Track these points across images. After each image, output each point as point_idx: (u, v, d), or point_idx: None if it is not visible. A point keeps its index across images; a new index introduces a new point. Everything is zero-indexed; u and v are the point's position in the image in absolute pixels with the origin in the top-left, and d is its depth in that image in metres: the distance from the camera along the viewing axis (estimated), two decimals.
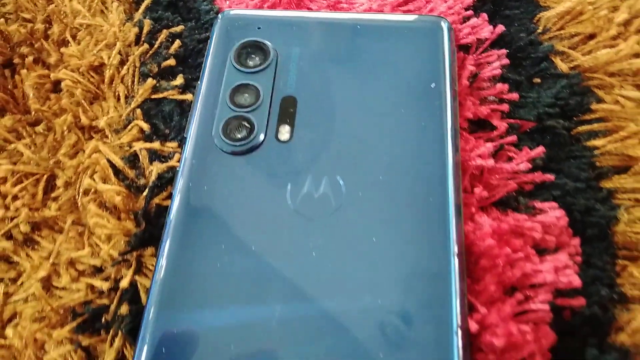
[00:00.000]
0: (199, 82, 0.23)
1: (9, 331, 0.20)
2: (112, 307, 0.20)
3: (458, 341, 0.17)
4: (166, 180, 0.23)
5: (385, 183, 0.20)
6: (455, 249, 0.19)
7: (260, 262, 0.19)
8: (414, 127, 0.21)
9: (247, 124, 0.22)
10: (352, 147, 0.21)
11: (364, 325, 0.18)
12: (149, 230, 0.21)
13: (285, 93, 0.22)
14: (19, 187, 0.22)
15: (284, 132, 0.22)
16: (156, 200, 0.22)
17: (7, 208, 0.22)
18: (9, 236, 0.22)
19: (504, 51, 0.25)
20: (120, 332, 0.20)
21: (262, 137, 0.21)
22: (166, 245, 0.19)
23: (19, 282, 0.21)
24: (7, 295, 0.21)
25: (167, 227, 0.20)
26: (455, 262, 0.19)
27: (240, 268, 0.19)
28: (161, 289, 0.19)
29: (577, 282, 0.19)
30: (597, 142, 0.23)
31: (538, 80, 0.25)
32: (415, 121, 0.22)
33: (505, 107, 0.23)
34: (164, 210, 0.22)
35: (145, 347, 0.18)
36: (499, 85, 0.24)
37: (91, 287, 0.21)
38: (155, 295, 0.19)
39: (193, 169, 0.21)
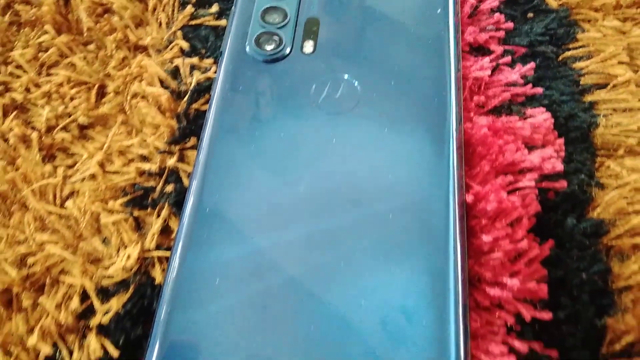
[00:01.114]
0: (233, 6, 0.26)
1: (69, 203, 0.23)
2: (159, 186, 0.23)
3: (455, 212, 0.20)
4: (204, 88, 0.26)
5: (395, 88, 0.24)
6: (454, 142, 0.22)
7: (286, 156, 0.22)
8: (422, 45, 0.25)
9: (276, 38, 0.25)
10: (367, 58, 0.24)
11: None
12: (189, 127, 0.25)
13: (309, 15, 0.26)
14: (75, 90, 0.26)
15: (308, 46, 0.25)
16: (195, 105, 0.26)
17: (65, 106, 0.25)
18: (67, 131, 0.25)
19: None
20: (166, 204, 0.23)
21: (288, 49, 0.25)
22: (206, 136, 0.22)
23: (75, 167, 0.24)
24: (66, 176, 0.24)
25: (206, 122, 0.23)
26: (454, 154, 0.22)
27: (270, 162, 0.22)
28: (203, 174, 0.22)
29: (560, 167, 0.22)
30: (581, 64, 0.26)
31: (531, 15, 0.28)
32: (423, 40, 0.25)
33: (501, 33, 0.27)
34: (202, 114, 0.25)
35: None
36: (497, 15, 0.27)
37: (139, 173, 0.24)
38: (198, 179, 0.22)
39: (228, 75, 0.24)
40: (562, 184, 0.22)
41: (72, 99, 0.25)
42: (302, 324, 0.19)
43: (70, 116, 0.25)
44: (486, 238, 0.20)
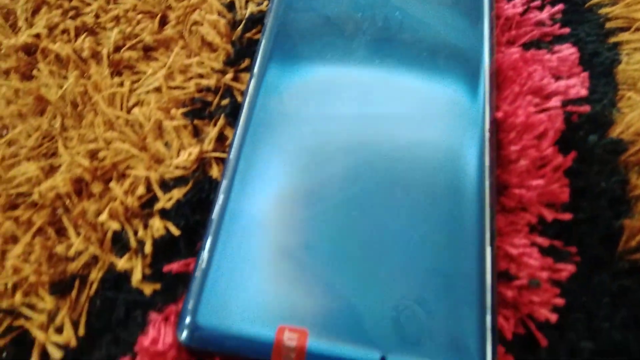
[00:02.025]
0: None
1: (135, 110, 0.25)
2: (215, 101, 0.26)
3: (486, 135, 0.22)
4: (257, 19, 0.28)
5: (437, 21, 0.25)
6: (487, 70, 0.23)
7: (330, 80, 0.24)
8: None
9: None
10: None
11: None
12: (243, 51, 0.27)
13: None
14: (140, 16, 0.28)
15: None
16: (248, 34, 0.28)
17: (132, 28, 0.27)
18: (133, 49, 0.27)
19: None
20: (222, 115, 0.25)
21: None
22: (258, 59, 0.25)
23: (140, 82, 0.26)
24: (132, 90, 0.26)
25: (259, 47, 0.25)
26: (487, 80, 0.24)
27: (313, 86, 0.24)
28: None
29: (584, 92, 0.24)
30: (606, 10, 0.27)
31: None
32: None
33: None
34: (255, 42, 0.27)
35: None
36: None
37: (198, 89, 0.26)
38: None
39: (281, 4, 0.27)
40: (586, 107, 0.24)
41: (138, 22, 0.28)
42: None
43: (136, 37, 0.27)
44: (514, 147, 0.22)
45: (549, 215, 0.21)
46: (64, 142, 0.25)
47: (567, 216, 0.21)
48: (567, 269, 0.20)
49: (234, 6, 0.29)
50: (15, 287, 0.21)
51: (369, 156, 0.22)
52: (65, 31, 0.28)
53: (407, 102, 0.23)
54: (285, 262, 0.20)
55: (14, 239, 0.22)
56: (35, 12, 0.29)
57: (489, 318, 0.18)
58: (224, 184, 0.21)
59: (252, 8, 0.28)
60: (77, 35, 0.28)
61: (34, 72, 0.27)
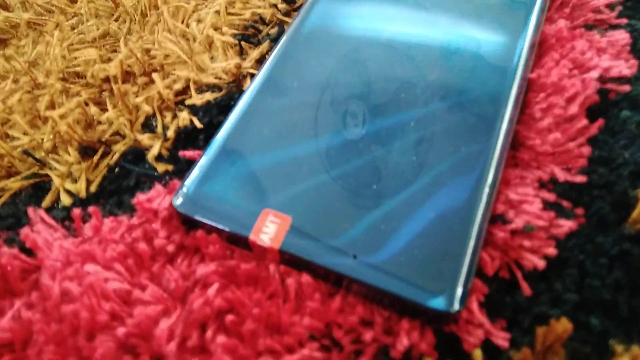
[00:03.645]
0: None
1: (192, 24, 0.27)
2: (265, 30, 0.27)
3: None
4: None
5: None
6: (528, 40, 0.23)
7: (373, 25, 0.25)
8: None
9: None
10: None
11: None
12: None
13: None
14: None
15: None
16: None
17: None
18: None
19: None
20: (267, 41, 0.26)
21: None
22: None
23: (204, 5, 0.28)
24: (196, 10, 0.28)
25: None
26: (527, 46, 0.23)
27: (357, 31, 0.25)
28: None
29: (627, 72, 0.23)
30: None
31: None
32: None
33: None
34: None
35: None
36: None
37: (254, 19, 0.27)
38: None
39: None
40: (626, 87, 0.23)
41: None
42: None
43: None
44: (539, 106, 0.21)
45: (562, 176, 0.20)
46: (125, 42, 0.26)
47: (581, 178, 0.20)
48: (567, 225, 0.19)
49: None
50: (48, 142, 0.23)
51: (387, 83, 0.22)
52: None
53: (446, 45, 0.23)
54: (285, 158, 0.20)
55: (60, 105, 0.24)
56: None
57: (470, 245, 0.18)
58: (246, 92, 0.22)
59: None
60: None
61: None
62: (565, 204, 0.20)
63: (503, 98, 0.21)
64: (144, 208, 0.19)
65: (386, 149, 0.20)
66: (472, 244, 0.18)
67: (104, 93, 0.25)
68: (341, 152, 0.20)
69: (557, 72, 0.22)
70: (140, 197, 0.19)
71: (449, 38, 0.23)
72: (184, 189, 0.19)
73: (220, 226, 0.19)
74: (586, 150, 0.21)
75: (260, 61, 0.26)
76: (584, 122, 0.21)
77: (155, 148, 0.22)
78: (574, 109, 0.21)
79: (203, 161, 0.20)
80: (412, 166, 0.19)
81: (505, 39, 0.23)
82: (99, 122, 0.23)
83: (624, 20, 0.25)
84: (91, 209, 0.19)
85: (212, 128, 0.23)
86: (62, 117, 0.23)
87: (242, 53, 0.26)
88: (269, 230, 0.18)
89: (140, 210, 0.19)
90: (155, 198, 0.20)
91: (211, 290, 0.17)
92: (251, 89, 0.22)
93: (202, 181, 0.19)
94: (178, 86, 0.24)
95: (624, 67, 0.23)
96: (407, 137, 0.20)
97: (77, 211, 0.19)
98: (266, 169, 0.20)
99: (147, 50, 0.26)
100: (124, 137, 0.23)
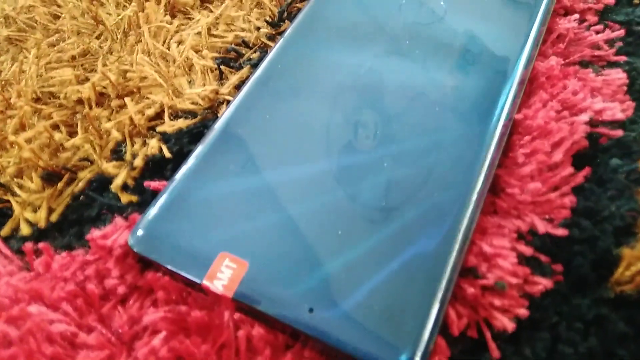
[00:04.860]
0: None
1: (173, 46, 0.26)
2: (247, 54, 0.26)
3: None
4: None
5: (478, 21, 0.24)
6: (517, 77, 0.22)
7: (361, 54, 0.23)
8: None
9: None
10: None
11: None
12: (287, 17, 0.27)
13: None
14: None
15: None
16: (298, 5, 0.28)
17: None
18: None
19: None
20: (247, 66, 0.25)
21: None
22: (294, 24, 0.24)
23: (188, 25, 0.27)
24: (178, 30, 0.27)
25: (299, 13, 0.25)
26: (514, 85, 0.22)
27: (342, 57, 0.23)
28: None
29: (620, 116, 0.21)
30: None
31: (637, 1, 0.27)
32: None
33: (600, 6, 0.26)
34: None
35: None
36: None
37: (236, 42, 0.26)
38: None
39: None
40: (618, 132, 0.21)
41: None
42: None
43: None
44: (523, 150, 0.20)
45: (542, 227, 0.19)
46: (103, 61, 0.26)
47: (562, 232, 0.18)
48: (542, 284, 0.17)
49: None
50: (13, 166, 0.22)
51: (363, 117, 0.21)
52: None
53: (426, 79, 0.22)
54: (247, 198, 0.19)
55: (31, 126, 0.23)
56: None
57: (436, 300, 0.16)
58: (218, 121, 0.21)
59: None
60: None
61: None
62: (543, 258, 0.18)
63: (484, 139, 0.20)
64: (98, 245, 0.18)
65: (353, 192, 0.19)
66: (438, 299, 0.17)
67: (77, 115, 0.24)
68: (305, 195, 0.19)
69: (544, 114, 0.20)
70: (94, 234, 0.18)
71: (430, 72, 0.22)
72: (140, 227, 0.18)
73: (174, 269, 0.17)
74: (570, 200, 0.19)
75: (239, 87, 0.25)
76: (569, 170, 0.19)
77: (120, 178, 0.21)
78: (559, 155, 0.19)
79: (162, 198, 0.19)
80: (381, 211, 0.18)
81: (493, 75, 0.22)
82: (65, 149, 0.22)
83: (623, 58, 0.24)
84: (42, 245, 0.18)
85: (181, 157, 0.22)
86: (28, 141, 0.22)
87: (221, 77, 0.25)
88: (223, 276, 0.17)
89: (94, 248, 0.18)
90: (111, 234, 0.18)
91: (157, 340, 0.16)
92: (219, 123, 0.21)
93: (160, 219, 0.18)
94: (151, 112, 0.23)
95: (617, 110, 0.21)
96: (376, 180, 0.19)
97: (28, 245, 0.18)
98: (227, 208, 0.19)
99: (124, 72, 0.25)
100: (92, 162, 0.22)
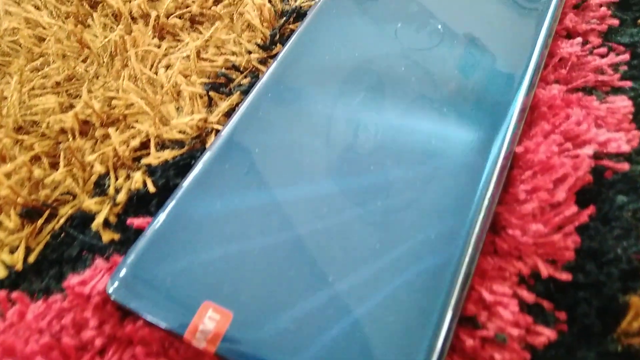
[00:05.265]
0: None
1: (161, 71, 0.25)
2: (238, 79, 0.24)
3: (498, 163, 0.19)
4: (304, 13, 0.27)
5: (478, 45, 0.23)
6: (518, 106, 0.20)
7: (353, 79, 0.22)
8: (515, 16, 0.24)
9: None
10: (459, 12, 0.24)
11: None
12: (280, 39, 0.25)
13: None
14: None
15: None
16: (291, 26, 0.26)
17: None
18: (180, 18, 0.27)
19: None
20: (238, 93, 0.24)
21: None
22: (287, 47, 0.23)
23: (177, 48, 0.26)
24: (166, 54, 0.26)
25: (292, 36, 0.24)
26: (514, 116, 0.20)
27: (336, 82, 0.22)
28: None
29: (626, 148, 0.20)
30: None
31: None
32: (518, 12, 0.24)
33: (603, 27, 0.25)
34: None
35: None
36: (603, 10, 0.25)
37: (226, 66, 0.25)
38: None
39: (328, 2, 0.25)
40: (624, 166, 0.20)
41: None
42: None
43: (187, 7, 0.27)
44: (524, 187, 0.19)
45: (545, 271, 0.17)
46: (89, 87, 0.24)
47: (566, 276, 0.17)
48: (545, 335, 0.16)
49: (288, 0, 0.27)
50: None
51: (354, 168, 0.19)
52: None
53: (423, 107, 0.20)
54: (233, 246, 0.17)
55: (11, 158, 0.22)
56: None
57: (434, 354, 0.15)
58: (205, 155, 0.20)
59: (301, 1, 0.27)
60: None
61: (89, 21, 0.27)
62: (547, 305, 0.17)
63: (484, 174, 0.19)
64: (75, 293, 0.17)
65: (345, 235, 0.17)
66: (437, 351, 0.15)
67: (60, 145, 0.22)
68: (295, 240, 0.17)
69: (546, 148, 0.19)
70: (71, 280, 0.17)
71: (427, 102, 0.21)
72: (119, 273, 0.17)
73: (154, 320, 0.16)
74: (573, 241, 0.18)
75: (229, 114, 0.23)
76: (573, 209, 0.18)
77: (102, 215, 0.20)
78: (562, 194, 0.18)
79: (142, 241, 0.18)
80: (372, 255, 0.17)
81: (492, 103, 0.20)
82: (45, 186, 0.21)
83: (628, 83, 0.22)
84: (16, 294, 0.17)
85: (167, 191, 0.21)
86: (7, 175, 0.21)
87: (210, 104, 0.24)
88: (206, 328, 0.16)
89: (71, 295, 0.17)
90: (90, 280, 0.17)
91: None
92: (205, 157, 0.20)
93: (140, 264, 0.17)
94: (136, 142, 0.22)
95: (623, 142, 0.20)
96: (369, 220, 0.18)
97: (2, 294, 0.17)
98: (213, 252, 0.17)
99: (110, 99, 0.24)
100: (74, 196, 0.21)
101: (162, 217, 0.18)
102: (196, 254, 0.17)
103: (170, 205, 0.19)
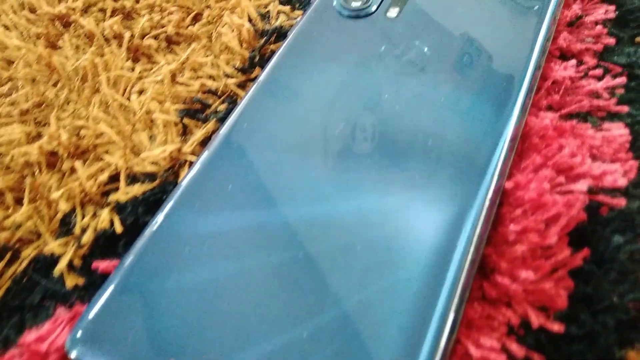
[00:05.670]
0: None
1: (133, 97, 0.23)
2: (214, 104, 0.23)
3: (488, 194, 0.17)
4: (285, 33, 0.25)
5: (465, 70, 0.21)
6: (509, 133, 0.19)
7: (333, 106, 0.21)
8: (505, 40, 0.22)
9: None
10: (446, 35, 0.22)
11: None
12: (259, 62, 0.24)
13: None
14: (175, 8, 0.26)
15: (393, 12, 0.23)
16: (272, 46, 0.25)
17: (162, 17, 0.25)
18: (155, 39, 0.25)
19: (613, 7, 0.25)
20: (213, 120, 0.22)
21: (374, 8, 0.23)
22: (266, 70, 0.22)
23: (151, 71, 0.24)
24: (140, 77, 0.24)
25: (272, 59, 0.22)
26: (505, 144, 0.19)
27: (316, 108, 0.21)
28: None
29: (622, 183, 0.19)
30: None
31: (639, 39, 0.24)
32: (508, 35, 0.22)
33: (599, 47, 0.23)
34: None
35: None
36: (599, 29, 0.24)
37: (203, 90, 0.23)
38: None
39: (308, 23, 0.24)
40: (620, 201, 0.18)
41: (169, 13, 0.26)
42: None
43: (162, 27, 0.25)
44: (514, 227, 0.17)
45: (536, 320, 0.16)
46: (58, 114, 0.23)
47: (557, 327, 0.16)
48: None
49: (269, 15, 0.26)
50: None
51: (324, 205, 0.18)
52: (102, 10, 0.27)
53: (400, 150, 0.19)
54: (203, 301, 0.16)
55: None
56: None
57: None
58: (176, 192, 0.18)
59: (282, 20, 0.25)
60: (112, 16, 0.26)
61: (60, 42, 0.26)
62: (537, 358, 0.16)
63: (472, 211, 0.17)
64: (32, 351, 0.16)
65: (320, 290, 0.16)
66: None
67: (26, 179, 0.21)
68: (264, 291, 0.16)
69: (537, 185, 0.18)
70: (28, 337, 0.16)
71: (411, 128, 0.19)
72: (79, 329, 0.16)
73: None
74: (566, 287, 0.16)
75: (205, 143, 0.22)
76: (566, 252, 0.17)
77: (65, 259, 0.18)
78: (554, 237, 0.17)
79: (106, 291, 0.16)
80: (350, 306, 0.16)
81: (482, 132, 0.19)
82: (5, 228, 0.19)
83: (625, 108, 0.21)
84: None
85: (137, 230, 0.19)
86: None
87: (185, 132, 0.22)
88: None
89: (27, 353, 0.16)
90: (48, 335, 0.16)
91: None
92: (175, 194, 0.18)
93: (102, 319, 0.16)
94: (104, 177, 0.20)
95: (619, 175, 0.19)
96: (346, 271, 0.16)
97: None
98: (181, 308, 0.16)
99: (79, 128, 0.22)
100: (40, 235, 0.20)
101: (127, 262, 0.17)
102: (163, 306, 0.16)
103: (137, 249, 0.17)
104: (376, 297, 0.16)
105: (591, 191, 0.18)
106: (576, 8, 0.24)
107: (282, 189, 0.18)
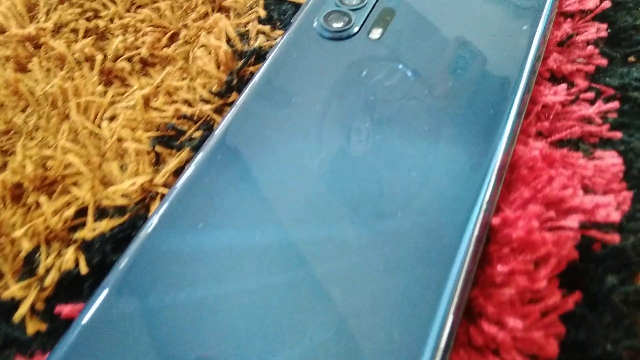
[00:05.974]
0: None
1: (104, 124, 0.22)
2: (189, 131, 0.22)
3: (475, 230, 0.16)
4: (264, 54, 0.24)
5: (451, 93, 0.20)
6: (498, 162, 0.18)
7: (314, 131, 0.20)
8: (493, 58, 0.21)
9: (345, 18, 0.22)
10: (431, 58, 0.21)
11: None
12: (237, 85, 0.23)
13: (387, 5, 0.23)
14: (150, 29, 0.25)
15: (375, 33, 0.22)
16: (251, 68, 0.24)
17: (136, 39, 0.24)
18: (129, 61, 0.24)
19: (605, 25, 0.24)
20: (188, 148, 0.21)
21: (356, 29, 0.22)
22: (244, 95, 0.20)
23: (124, 95, 0.23)
24: (112, 102, 0.23)
25: (250, 82, 0.21)
26: (493, 174, 0.18)
27: (299, 133, 0.20)
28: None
29: (615, 218, 0.17)
30: None
31: (632, 59, 0.23)
32: (496, 53, 0.21)
33: (590, 68, 0.22)
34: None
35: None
36: (590, 49, 0.23)
37: (177, 116, 0.22)
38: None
39: (288, 44, 0.22)
40: (614, 237, 0.17)
41: (144, 34, 0.25)
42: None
43: (137, 49, 0.24)
44: (501, 268, 0.16)
45: None
46: (25, 142, 0.22)
47: None
48: None
49: (248, 38, 0.25)
50: None
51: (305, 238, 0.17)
52: (74, 30, 0.25)
53: (385, 179, 0.18)
54: (175, 349, 0.15)
55: None
56: (57, 7, 0.26)
57: None
58: (147, 227, 0.17)
59: (261, 41, 0.24)
60: (85, 37, 0.25)
61: (30, 65, 0.24)
62: None
63: (458, 250, 0.16)
64: None
65: (304, 324, 0.15)
66: None
67: None
68: (259, 296, 0.15)
69: (526, 222, 0.16)
70: None
71: (395, 158, 0.18)
72: None
73: None
74: (557, 334, 0.15)
75: (178, 173, 0.21)
76: (557, 296, 0.16)
77: (26, 304, 0.17)
78: (543, 281, 0.15)
79: (66, 342, 0.15)
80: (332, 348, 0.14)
81: (467, 162, 0.18)
82: None
83: (618, 135, 0.20)
84: None
85: (104, 270, 0.18)
86: None
87: (158, 161, 0.21)
88: None
89: None
90: None
91: None
92: (145, 231, 0.17)
93: None
94: (70, 212, 0.19)
95: (612, 208, 0.17)
96: (324, 309, 0.15)
97: None
98: (148, 356, 0.15)
99: (46, 158, 0.21)
100: (2, 275, 0.18)
101: (91, 308, 0.16)
102: (128, 356, 0.15)
103: (102, 294, 0.16)
104: (358, 342, 0.15)
105: (583, 227, 0.17)
106: (567, 27, 0.23)
107: (259, 215, 0.17)
